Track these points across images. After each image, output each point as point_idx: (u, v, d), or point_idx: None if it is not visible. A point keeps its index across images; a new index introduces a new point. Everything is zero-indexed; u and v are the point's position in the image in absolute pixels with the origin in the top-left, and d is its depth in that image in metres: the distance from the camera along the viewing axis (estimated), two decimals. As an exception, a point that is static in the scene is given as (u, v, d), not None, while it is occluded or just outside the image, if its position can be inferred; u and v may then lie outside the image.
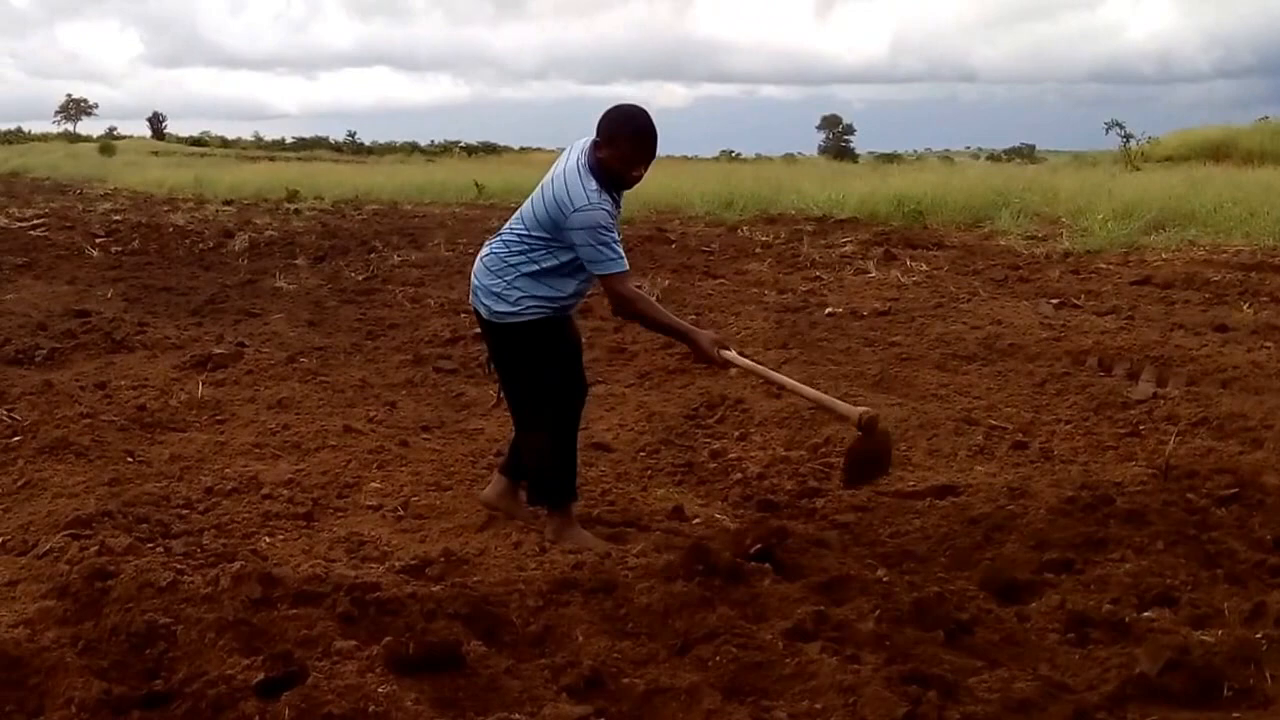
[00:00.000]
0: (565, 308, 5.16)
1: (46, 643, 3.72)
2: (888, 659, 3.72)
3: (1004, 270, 13.56)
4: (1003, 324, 10.06)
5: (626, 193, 5.15)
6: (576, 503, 5.38)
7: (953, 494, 5.79)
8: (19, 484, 5.67)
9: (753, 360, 5.33)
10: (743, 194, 22.74)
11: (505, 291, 5.06)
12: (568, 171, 4.92)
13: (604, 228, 4.84)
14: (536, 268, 5.02)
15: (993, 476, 6.09)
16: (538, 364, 5.17)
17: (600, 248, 4.84)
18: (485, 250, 5.22)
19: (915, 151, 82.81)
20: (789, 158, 58.01)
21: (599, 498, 5.83)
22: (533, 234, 5.00)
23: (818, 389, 7.78)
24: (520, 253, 5.04)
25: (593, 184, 4.85)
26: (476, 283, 5.19)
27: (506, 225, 5.19)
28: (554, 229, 4.91)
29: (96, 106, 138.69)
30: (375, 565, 4.75)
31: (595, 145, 4.92)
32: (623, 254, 4.91)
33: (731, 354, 5.09)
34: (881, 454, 5.18)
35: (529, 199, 5.10)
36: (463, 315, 10.52)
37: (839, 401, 5.27)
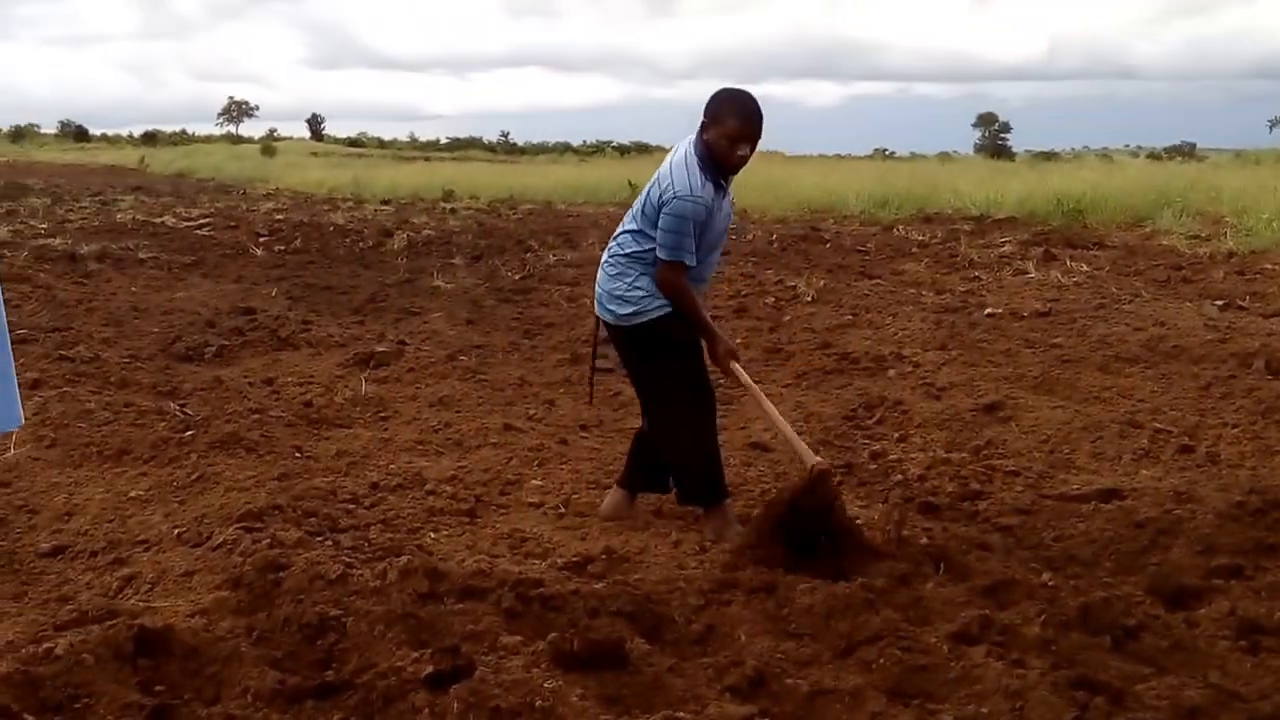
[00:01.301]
0: None
1: (222, 632, 3.82)
2: (1054, 664, 3.65)
3: (1166, 270, 13.20)
4: (1166, 325, 9.78)
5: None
6: (732, 500, 5.37)
7: (1118, 497, 5.66)
8: (193, 477, 5.83)
9: (756, 384, 5.24)
10: (898, 193, 22.48)
11: (627, 293, 5.13)
12: (675, 162, 5.02)
13: (692, 223, 4.93)
14: (649, 265, 5.08)
15: (1158, 480, 5.95)
16: (668, 362, 5.20)
17: (676, 235, 4.94)
18: (605, 256, 5.30)
19: (1073, 149, 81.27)
20: (944, 156, 57.15)
21: (759, 498, 5.78)
22: (641, 227, 5.08)
23: (977, 391, 7.73)
24: (633, 251, 5.11)
25: (699, 176, 4.93)
26: (600, 290, 5.27)
27: (620, 226, 5.26)
28: (656, 214, 4.99)
29: (258, 108, 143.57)
30: (538, 562, 4.81)
31: (702, 127, 4.99)
32: (691, 251, 4.98)
33: (738, 368, 5.16)
34: (817, 512, 4.71)
35: (637, 200, 5.18)
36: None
37: (804, 446, 5.00)
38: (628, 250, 5.14)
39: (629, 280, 5.12)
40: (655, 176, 5.08)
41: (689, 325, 5.18)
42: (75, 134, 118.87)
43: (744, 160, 5.01)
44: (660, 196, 4.96)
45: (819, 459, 4.86)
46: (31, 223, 20.05)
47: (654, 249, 5.03)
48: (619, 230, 5.25)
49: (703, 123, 4.99)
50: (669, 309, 5.11)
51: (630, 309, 5.13)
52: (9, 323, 3.66)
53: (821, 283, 12.80)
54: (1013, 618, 4.01)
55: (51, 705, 3.39)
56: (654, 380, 5.30)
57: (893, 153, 69.55)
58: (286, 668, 3.63)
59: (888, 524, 4.92)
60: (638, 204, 5.15)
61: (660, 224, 4.95)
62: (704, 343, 5.22)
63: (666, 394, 5.25)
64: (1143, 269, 13.42)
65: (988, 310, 10.99)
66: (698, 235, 4.99)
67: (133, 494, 5.63)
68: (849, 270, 14.21)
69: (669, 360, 5.19)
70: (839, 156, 56.02)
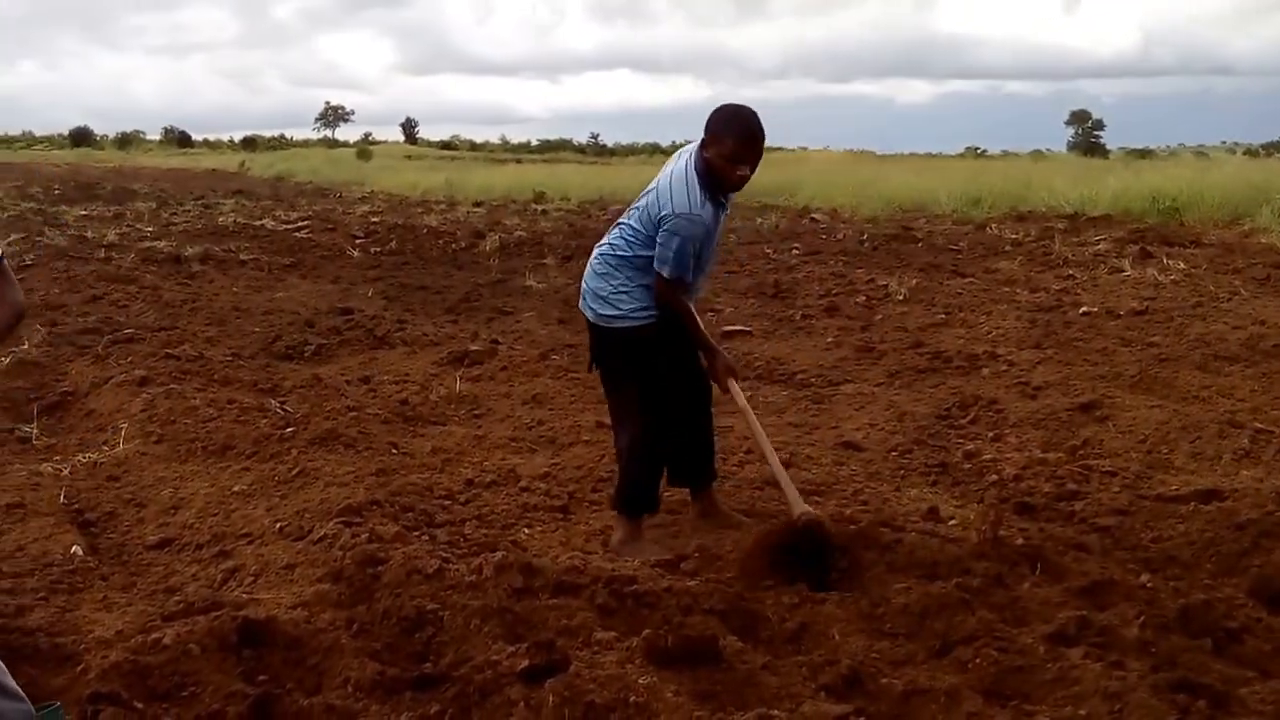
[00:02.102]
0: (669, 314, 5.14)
1: (323, 624, 3.91)
2: (1153, 666, 3.61)
3: (1266, 269, 12.90)
4: (1266, 324, 9.57)
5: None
6: (652, 515, 5.33)
7: (1218, 498, 5.53)
8: (294, 473, 5.94)
9: (753, 411, 5.15)
10: (991, 191, 22.23)
11: (611, 296, 5.09)
12: (675, 175, 4.94)
13: (690, 240, 4.87)
14: (637, 270, 5.03)
15: (1259, 481, 5.81)
16: (639, 369, 5.14)
17: (674, 254, 4.87)
18: (594, 254, 5.24)
19: (1168, 147, 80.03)
20: (1037, 154, 56.45)
21: (851, 497, 5.77)
22: (638, 236, 5.02)
23: (1072, 390, 7.65)
24: (624, 255, 5.06)
25: (699, 194, 4.86)
26: (585, 286, 5.22)
27: (614, 229, 5.21)
28: (654, 227, 4.93)
29: (353, 113, 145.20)
30: (631, 559, 4.83)
31: (702, 144, 4.91)
32: (688, 269, 4.93)
33: (735, 387, 5.10)
34: (806, 551, 4.66)
35: (636, 202, 5.13)
36: (709, 314, 10.59)
37: (795, 493, 4.93)
38: (619, 252, 5.08)
39: (614, 283, 5.08)
40: (655, 184, 5.03)
41: (669, 334, 5.14)
42: (179, 140, 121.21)
43: (744, 180, 4.93)
44: (659, 212, 4.90)
45: (807, 509, 4.80)
46: (138, 226, 20.55)
47: (646, 255, 4.99)
48: (613, 232, 5.19)
49: (704, 139, 4.91)
50: (651, 319, 5.08)
51: (611, 311, 5.09)
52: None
53: (914, 281, 12.72)
54: (1111, 619, 3.97)
55: (159, 693, 3.50)
56: (624, 383, 5.25)
57: (985, 151, 68.86)
58: (385, 659, 3.70)
59: (983, 524, 4.89)
60: (635, 207, 5.10)
61: (659, 239, 4.90)
62: (703, 360, 5.19)
63: (635, 398, 5.20)
64: (1241, 267, 13.16)
65: (1083, 309, 10.85)
66: (695, 254, 4.95)
67: (236, 489, 5.76)
68: (941, 269, 14.09)
69: (642, 366, 5.13)
70: (930, 155, 55.66)
